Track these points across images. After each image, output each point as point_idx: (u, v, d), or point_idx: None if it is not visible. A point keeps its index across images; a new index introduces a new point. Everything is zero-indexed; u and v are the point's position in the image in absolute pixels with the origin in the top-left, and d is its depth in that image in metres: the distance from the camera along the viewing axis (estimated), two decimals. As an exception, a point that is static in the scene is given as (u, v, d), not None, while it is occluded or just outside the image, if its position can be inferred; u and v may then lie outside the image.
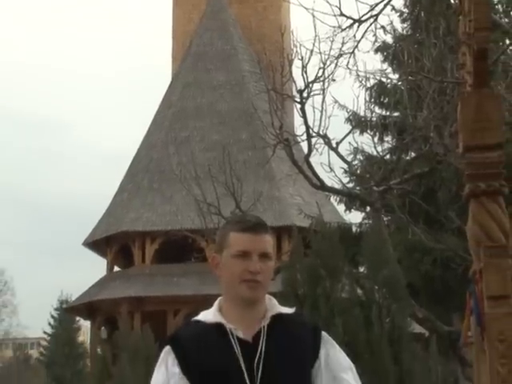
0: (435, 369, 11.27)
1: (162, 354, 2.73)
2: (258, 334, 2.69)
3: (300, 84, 15.32)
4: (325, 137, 15.25)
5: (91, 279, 29.30)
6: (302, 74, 15.10)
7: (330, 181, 16.22)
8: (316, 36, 14.93)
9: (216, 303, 2.79)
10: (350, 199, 21.15)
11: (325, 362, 2.73)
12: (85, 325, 48.40)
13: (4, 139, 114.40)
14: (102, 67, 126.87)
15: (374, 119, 21.04)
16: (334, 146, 15.60)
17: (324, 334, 2.78)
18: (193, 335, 2.72)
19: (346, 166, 18.30)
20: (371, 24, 14.43)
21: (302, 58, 15.06)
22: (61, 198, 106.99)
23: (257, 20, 32.32)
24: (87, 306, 27.88)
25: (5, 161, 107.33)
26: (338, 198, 22.52)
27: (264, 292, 2.74)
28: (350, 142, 20.48)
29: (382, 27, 16.63)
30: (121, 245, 28.28)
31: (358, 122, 20.65)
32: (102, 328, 28.57)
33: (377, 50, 21.19)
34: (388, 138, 21.53)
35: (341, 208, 23.69)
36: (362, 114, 20.51)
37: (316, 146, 15.35)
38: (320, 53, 14.95)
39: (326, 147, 15.42)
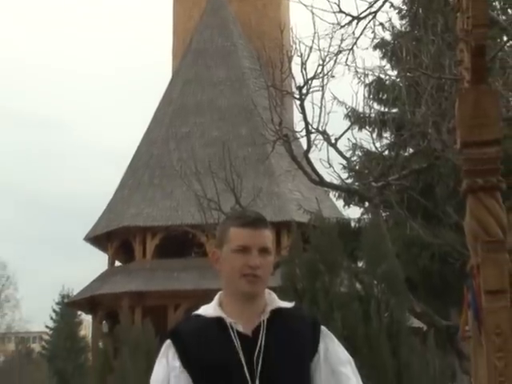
0: (433, 362, 11.27)
1: (163, 348, 2.73)
2: (258, 328, 2.69)
3: (299, 80, 15.34)
4: (324, 133, 15.25)
5: (92, 274, 29.39)
6: (302, 71, 15.12)
7: (328, 176, 16.24)
8: (315, 33, 14.93)
9: (216, 298, 2.79)
10: (349, 195, 21.14)
11: (324, 355, 2.73)
12: (86, 319, 48.51)
13: (5, 136, 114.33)
14: (102, 66, 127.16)
15: (373, 115, 21.03)
16: (333, 141, 15.61)
17: (323, 328, 2.78)
18: (193, 329, 2.72)
19: (344, 161, 18.31)
20: (370, 21, 14.42)
21: (302, 54, 15.08)
22: (62, 194, 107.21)
23: (256, 17, 32.29)
24: (89, 301, 27.91)
25: (7, 158, 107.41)
26: (336, 194, 22.52)
27: (263, 286, 2.74)
28: (348, 138, 20.51)
29: (381, 24, 16.56)
30: (122, 240, 28.30)
31: (356, 118, 20.63)
32: (104, 322, 28.60)
33: (375, 47, 21.15)
34: (386, 134, 21.52)
35: (340, 203, 23.71)
36: (360, 110, 20.51)
37: (315, 142, 15.37)
38: (319, 49, 14.96)
39: (325, 143, 15.44)
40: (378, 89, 22.09)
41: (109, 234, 28.30)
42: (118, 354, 16.74)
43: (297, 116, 17.61)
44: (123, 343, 16.39)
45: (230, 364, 2.63)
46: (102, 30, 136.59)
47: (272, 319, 2.72)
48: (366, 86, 20.07)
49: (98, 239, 29.15)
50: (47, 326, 56.76)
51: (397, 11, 21.93)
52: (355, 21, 14.13)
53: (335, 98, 17.67)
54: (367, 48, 16.23)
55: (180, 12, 33.29)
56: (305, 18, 16.45)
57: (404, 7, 22.10)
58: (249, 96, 26.66)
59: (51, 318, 56.20)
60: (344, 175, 19.81)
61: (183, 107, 29.71)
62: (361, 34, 14.42)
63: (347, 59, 14.85)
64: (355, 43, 14.49)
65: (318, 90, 15.16)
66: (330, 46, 14.80)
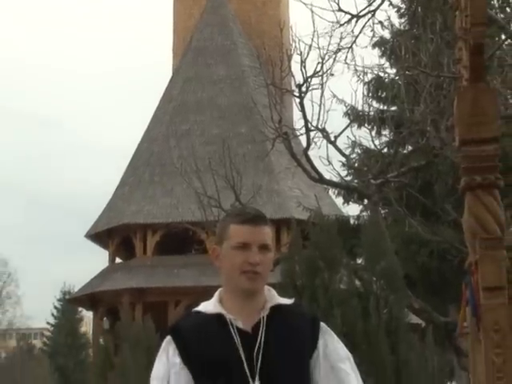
0: (431, 359, 11.28)
1: (163, 345, 2.73)
2: (258, 324, 2.69)
3: (299, 78, 15.33)
4: (323, 130, 15.25)
5: (93, 271, 29.36)
6: (301, 69, 15.10)
7: (328, 174, 16.24)
8: (315, 31, 14.92)
9: (216, 294, 2.79)
10: (348, 192, 21.14)
11: (323, 352, 2.73)
12: (87, 315, 48.48)
13: (5, 134, 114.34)
14: (102, 66, 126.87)
15: (372, 113, 21.01)
16: (333, 139, 15.60)
17: (322, 324, 2.78)
18: (193, 326, 2.72)
19: (344, 159, 18.33)
20: (369, 19, 14.44)
21: (301, 52, 15.06)
22: (63, 192, 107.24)
23: (256, 15, 32.27)
24: (89, 297, 27.92)
25: (7, 157, 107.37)
26: (336, 191, 22.51)
27: (263, 283, 2.74)
28: (348, 136, 20.46)
29: (380, 22, 16.58)
30: (122, 237, 28.30)
31: (355, 116, 20.62)
32: (104, 319, 28.61)
33: (374, 45, 21.13)
34: (385, 132, 21.51)
35: (339, 201, 23.70)
36: (359, 108, 20.50)
37: (314, 140, 15.37)
38: (319, 48, 14.95)
39: (325, 141, 15.44)
40: (377, 87, 22.08)
41: (109, 231, 28.30)
42: (118, 351, 16.76)
43: (296, 114, 17.60)
44: (124, 339, 16.40)
45: (230, 360, 2.63)
46: (102, 29, 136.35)
47: (272, 316, 2.72)
48: (365, 84, 20.08)
49: (98, 236, 29.15)
50: (48, 323, 56.77)
51: (396, 10, 21.92)
52: (354, 19, 14.13)
53: (334, 95, 17.64)
54: (366, 46, 16.28)
55: (180, 10, 33.27)
56: (304, 16, 16.45)
57: (403, 6, 22.08)
58: (249, 94, 26.66)
59: (52, 315, 56.20)
60: (343, 173, 19.82)
61: (183, 105, 29.70)
62: (360, 33, 14.44)
63: (346, 57, 14.86)
64: (354, 41, 14.50)
65: (318, 88, 15.17)
66: (329, 44, 14.81)
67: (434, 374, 11.19)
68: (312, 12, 14.80)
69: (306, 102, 15.13)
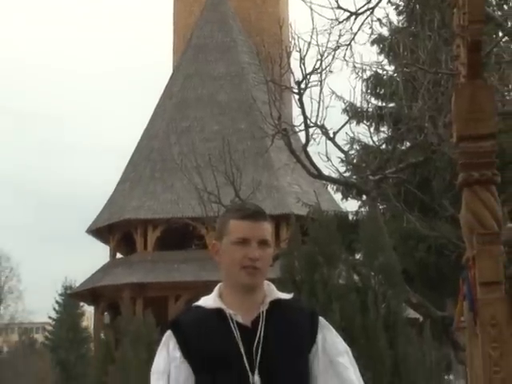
0: (429, 353, 11.29)
1: (164, 339, 2.73)
2: (257, 319, 2.69)
3: (298, 75, 15.32)
4: (322, 127, 15.24)
5: (94, 266, 29.38)
6: (300, 66, 15.09)
7: (327, 170, 16.23)
8: (314, 28, 14.92)
9: (216, 289, 2.79)
10: (347, 188, 21.14)
11: (322, 346, 2.73)
12: (88, 310, 48.51)
13: (6, 129, 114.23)
14: (103, 64, 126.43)
15: (370, 110, 20.99)
16: (331, 135, 15.60)
17: (321, 319, 2.78)
18: (193, 320, 2.72)
19: (342, 155, 18.33)
20: (367, 17, 14.41)
21: (300, 50, 15.05)
22: (65, 188, 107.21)
23: (256, 13, 32.25)
24: (91, 292, 27.94)
25: (9, 152, 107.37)
26: (334, 187, 22.51)
27: (263, 278, 2.74)
28: (346, 132, 20.46)
29: (378, 20, 16.59)
30: (123, 232, 28.32)
31: (354, 113, 20.62)
32: (105, 313, 28.63)
33: (373, 42, 21.11)
34: (384, 129, 21.50)
35: (338, 196, 23.71)
36: (358, 104, 20.48)
37: (313, 136, 15.37)
38: (317, 45, 14.94)
39: (324, 137, 15.44)
40: (375, 84, 22.07)
41: (110, 226, 28.32)
42: (119, 345, 16.77)
43: (295, 110, 17.60)
44: (125, 334, 16.41)
45: (230, 355, 2.63)
46: (102, 29, 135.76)
47: (271, 310, 2.72)
48: (363, 80, 20.03)
49: (99, 232, 29.17)
50: (50, 317, 56.83)
51: (394, 7, 21.93)
52: (353, 16, 14.12)
53: (333, 92, 17.59)
54: (365, 43, 16.23)
55: (181, 8, 33.25)
56: (303, 13, 16.43)
57: (401, 3, 22.07)
58: (248, 91, 26.66)
59: (54, 309, 56.26)
60: (342, 169, 19.82)
61: (183, 102, 29.69)
62: (358, 30, 14.42)
63: (345, 54, 14.85)
64: (353, 39, 14.48)
65: (317, 85, 15.15)
66: (328, 41, 14.80)
67: (431, 367, 11.20)
68: (311, 9, 14.81)
69: (305, 98, 15.13)
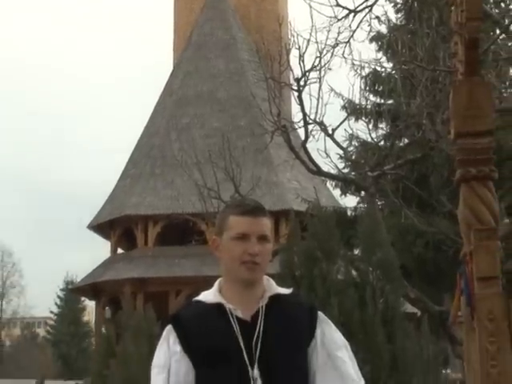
0: (426, 347, 11.29)
1: (164, 333, 2.73)
2: (257, 313, 2.69)
3: (297, 72, 15.30)
4: (321, 124, 15.23)
5: (96, 261, 29.41)
6: (299, 63, 15.07)
7: (326, 166, 16.22)
8: (313, 26, 14.89)
9: (216, 284, 2.79)
10: (346, 184, 21.13)
11: (320, 340, 2.73)
12: (90, 305, 48.62)
13: (8, 124, 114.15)
14: (103, 62, 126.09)
15: (369, 107, 20.98)
16: (330, 132, 15.58)
17: (320, 313, 2.79)
18: (194, 315, 2.73)
19: (341, 151, 18.29)
20: (366, 14, 14.40)
21: (300, 47, 15.02)
22: (66, 183, 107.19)
23: (255, 10, 32.24)
24: (92, 287, 27.96)
25: (11, 147, 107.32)
26: (333, 183, 22.50)
27: (262, 273, 2.74)
28: (345, 129, 20.46)
29: (377, 17, 16.56)
30: (124, 228, 28.33)
31: (353, 110, 20.59)
32: (106, 308, 28.66)
33: (371, 40, 21.09)
34: (382, 125, 21.50)
35: (336, 192, 23.69)
36: (357, 101, 20.46)
37: (313, 133, 15.35)
38: (317, 42, 14.91)
39: (323, 134, 15.41)
40: (373, 81, 22.05)
41: (111, 222, 28.33)
42: (120, 339, 16.76)
43: (295, 107, 17.61)
44: (125, 328, 16.41)
45: (230, 349, 2.63)
46: (103, 29, 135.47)
47: (270, 305, 2.72)
48: (362, 78, 20.00)
49: (101, 227, 29.18)
50: (52, 312, 56.92)
51: (392, 5, 21.91)
52: (352, 14, 14.10)
53: (332, 89, 17.56)
54: (363, 41, 16.20)
55: (181, 6, 33.25)
56: (303, 11, 16.42)
57: (399, 1, 22.05)
58: (248, 88, 26.63)
59: (55, 304, 56.35)
60: (341, 165, 19.79)
61: (184, 99, 29.68)
62: (357, 27, 14.40)
63: (344, 52, 14.82)
64: (352, 36, 14.46)
65: (316, 82, 15.13)
66: (327, 38, 14.77)
67: (428, 361, 11.20)
68: (310, 7, 14.78)
69: (305, 95, 15.11)
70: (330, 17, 14.18)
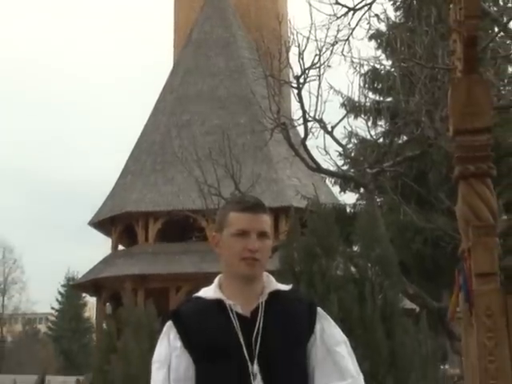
0: (425, 342, 11.29)
1: (165, 329, 2.74)
2: (256, 309, 2.69)
3: (297, 70, 15.30)
4: (320, 121, 15.23)
5: (97, 257, 29.41)
6: (299, 61, 15.07)
7: (325, 163, 16.22)
8: (312, 24, 14.89)
9: (216, 280, 2.79)
10: (345, 181, 21.13)
11: (320, 336, 2.73)
12: (91, 301, 48.62)
13: (10, 121, 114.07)
14: (104, 60, 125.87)
15: (368, 104, 20.98)
16: (330, 129, 15.59)
17: (319, 309, 2.79)
18: (194, 311, 2.73)
19: (340, 149, 18.30)
20: (365, 12, 14.39)
21: (299, 45, 15.02)
22: (67, 180, 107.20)
23: (255, 9, 32.21)
24: (93, 283, 27.96)
25: (13, 144, 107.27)
26: (333, 180, 22.49)
27: (262, 269, 2.74)
28: (344, 126, 20.50)
29: (376, 15, 16.52)
30: (125, 224, 28.32)
31: (352, 107, 20.59)
32: (107, 304, 28.67)
33: (371, 38, 21.09)
34: (381, 122, 21.49)
35: (336, 189, 23.69)
36: (356, 99, 20.47)
37: (312, 130, 15.36)
38: (316, 40, 14.92)
39: (322, 131, 15.42)
40: (373, 78, 22.04)
41: (112, 218, 28.32)
42: (121, 335, 16.75)
43: (294, 105, 17.60)
44: (126, 324, 16.40)
45: (230, 345, 2.63)
46: (103, 26, 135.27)
47: (270, 301, 2.72)
48: (361, 75, 19.99)
49: (101, 224, 29.17)
50: (53, 308, 56.94)
51: (391, 3, 21.89)
52: (351, 12, 14.10)
53: (331, 87, 17.56)
54: (363, 38, 16.28)
55: (182, 4, 33.22)
56: (302, 9, 16.42)
57: (398, -1, 22.03)
58: (248, 85, 26.60)
59: (57, 300, 56.37)
60: (340, 162, 19.80)
61: (184, 96, 29.66)
62: (356, 25, 14.40)
63: (343, 49, 14.82)
64: (351, 34, 14.46)
65: (315, 80, 15.13)
66: (326, 36, 14.78)
67: (427, 357, 11.20)
68: (310, 5, 14.79)
69: (304, 93, 15.12)
70: (330, 15, 14.19)
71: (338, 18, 14.10)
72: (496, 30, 15.72)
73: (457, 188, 3.62)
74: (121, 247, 29.56)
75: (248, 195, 3.09)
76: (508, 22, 14.81)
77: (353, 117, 20.61)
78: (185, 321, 2.70)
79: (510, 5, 18.79)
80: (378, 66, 21.09)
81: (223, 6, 31.84)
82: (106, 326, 22.80)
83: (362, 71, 19.85)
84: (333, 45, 14.71)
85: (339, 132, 19.58)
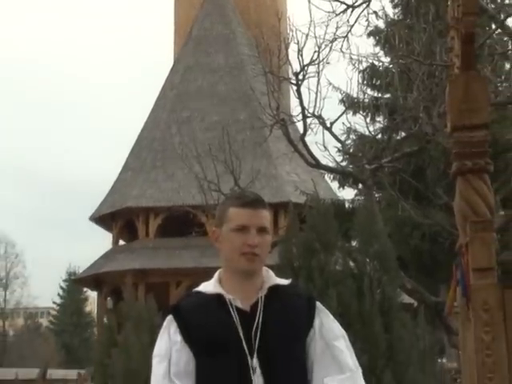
0: (423, 337, 11.30)
1: (165, 323, 2.74)
2: (256, 304, 2.70)
3: (296, 67, 15.27)
4: (319, 117, 15.21)
5: (98, 252, 29.41)
6: (298, 58, 15.04)
7: (324, 159, 16.26)
8: (311, 21, 14.86)
9: (216, 275, 2.80)
10: (344, 177, 21.13)
11: (319, 330, 2.74)
12: (92, 295, 48.71)
13: (10, 118, 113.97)
14: (104, 57, 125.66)
15: (367, 100, 20.96)
16: (328, 126, 15.57)
17: (318, 304, 2.79)
18: (194, 305, 2.73)
19: (339, 145, 18.30)
20: (364, 9, 14.37)
21: (298, 41, 14.99)
22: (68, 176, 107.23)
23: (255, 6, 32.17)
24: (94, 278, 27.97)
25: (16, 140, 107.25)
26: (331, 176, 22.50)
27: (261, 264, 2.74)
28: (343, 122, 20.51)
29: (375, 12, 16.47)
30: (125, 220, 28.32)
31: (351, 103, 20.58)
32: (108, 298, 28.68)
33: (369, 35, 21.04)
34: (379, 119, 21.47)
35: (334, 185, 23.69)
36: (354, 95, 20.45)
37: (311, 126, 15.33)
38: (315, 37, 14.88)
39: (321, 127, 15.39)
40: (371, 75, 22.03)
41: (113, 214, 28.32)
42: (122, 329, 16.75)
43: (293, 101, 17.59)
44: (127, 318, 16.41)
45: (230, 339, 2.64)
46: (104, 23, 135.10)
47: (269, 296, 2.72)
48: (360, 72, 19.95)
49: (102, 219, 29.18)
50: (54, 302, 56.99)
51: (390, 0, 21.87)
52: (350, 9, 14.08)
53: (330, 83, 17.55)
54: (361, 35, 16.19)
55: (182, 1, 33.16)
56: (301, 6, 16.39)
57: (397, -4, 22.01)
58: (247, 82, 26.58)
59: (58, 295, 56.41)
60: (339, 158, 19.82)
61: (184, 92, 29.65)
62: (355, 22, 14.37)
63: (342, 46, 14.79)
64: (350, 31, 14.43)
65: (314, 76, 15.10)
66: (325, 33, 14.76)
67: (425, 351, 11.21)
68: (309, 2, 14.74)
69: (303, 89, 15.09)
70: (329, 12, 14.17)
71: (336, 14, 14.09)
72: (493, 26, 15.70)
73: (454, 184, 3.62)
74: (121, 242, 29.57)
75: (248, 191, 3.10)
76: (505, 19, 14.79)
77: (351, 113, 20.61)
78: (185, 315, 2.70)
79: (507, 1, 18.77)
80: (376, 63, 21.07)
81: (223, 2, 31.81)
82: (107, 320, 22.81)
83: (361, 68, 19.81)
84: (332, 41, 14.69)
85: (338, 128, 19.55)
